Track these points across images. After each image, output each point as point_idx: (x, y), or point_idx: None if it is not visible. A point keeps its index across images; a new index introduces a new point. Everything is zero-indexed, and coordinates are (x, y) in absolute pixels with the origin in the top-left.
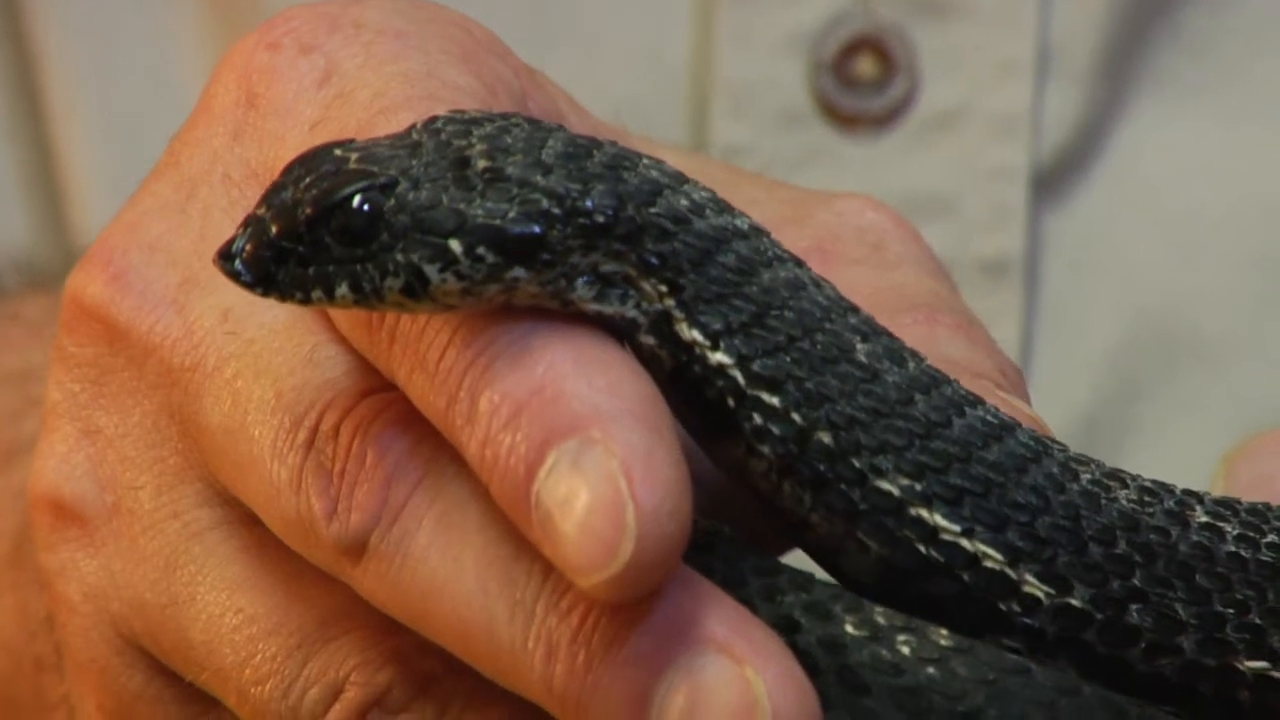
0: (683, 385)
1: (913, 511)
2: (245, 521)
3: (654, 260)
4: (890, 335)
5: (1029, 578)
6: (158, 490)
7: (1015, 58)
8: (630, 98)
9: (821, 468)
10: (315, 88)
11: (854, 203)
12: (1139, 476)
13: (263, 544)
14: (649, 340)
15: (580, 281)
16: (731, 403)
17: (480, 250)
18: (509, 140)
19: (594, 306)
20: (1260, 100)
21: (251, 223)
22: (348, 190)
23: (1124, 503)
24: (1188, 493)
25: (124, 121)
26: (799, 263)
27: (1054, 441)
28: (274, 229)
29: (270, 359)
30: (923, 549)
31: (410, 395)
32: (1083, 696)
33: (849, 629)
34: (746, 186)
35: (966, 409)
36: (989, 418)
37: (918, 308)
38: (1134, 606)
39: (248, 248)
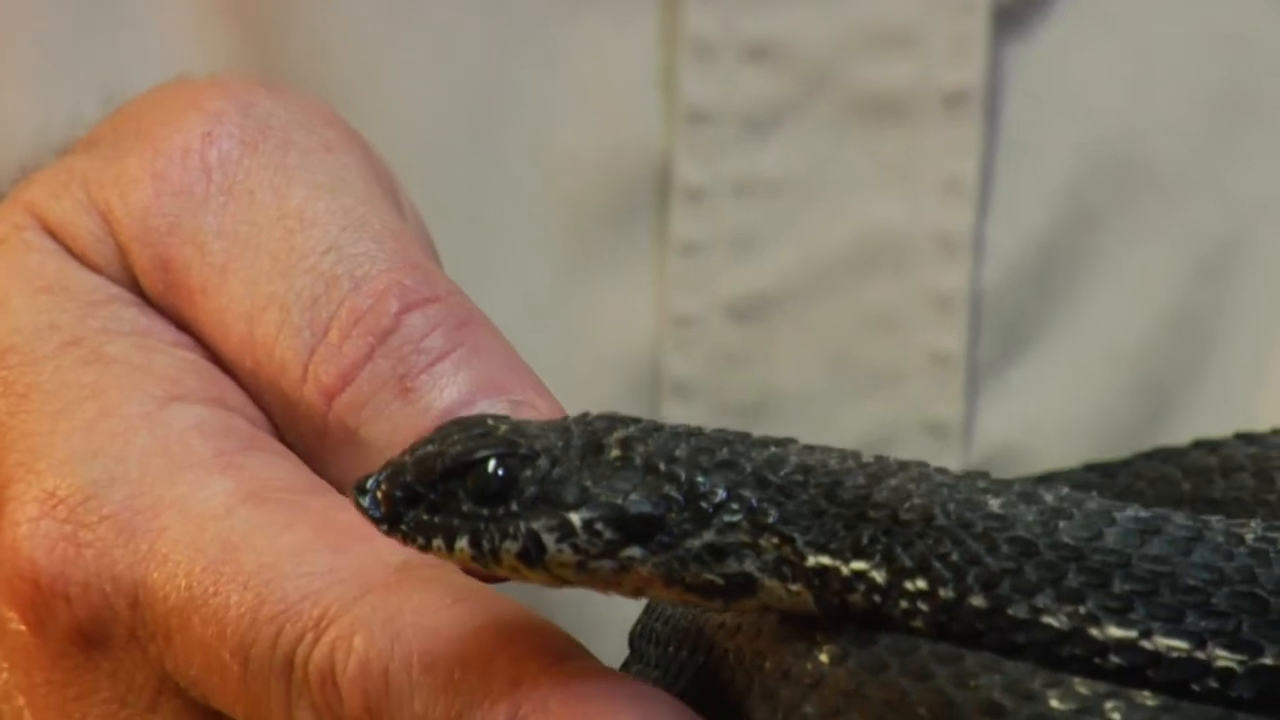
0: (819, 604)
1: (1081, 633)
2: None
3: (770, 520)
4: (1021, 480)
5: (1219, 653)
6: None
7: None
8: None
9: (979, 626)
10: None
11: None
12: None
13: None
14: (771, 583)
15: (694, 562)
16: (877, 599)
17: (599, 526)
18: (648, 436)
19: (706, 577)
20: None
21: (392, 464)
22: (488, 452)
23: None
24: None
25: None
26: (922, 463)
27: (1209, 517)
28: (411, 474)
29: None
30: (1098, 661)
31: None
32: None
33: (1055, 704)
34: None
35: (1115, 514)
36: (1141, 515)
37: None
38: None
39: (383, 486)
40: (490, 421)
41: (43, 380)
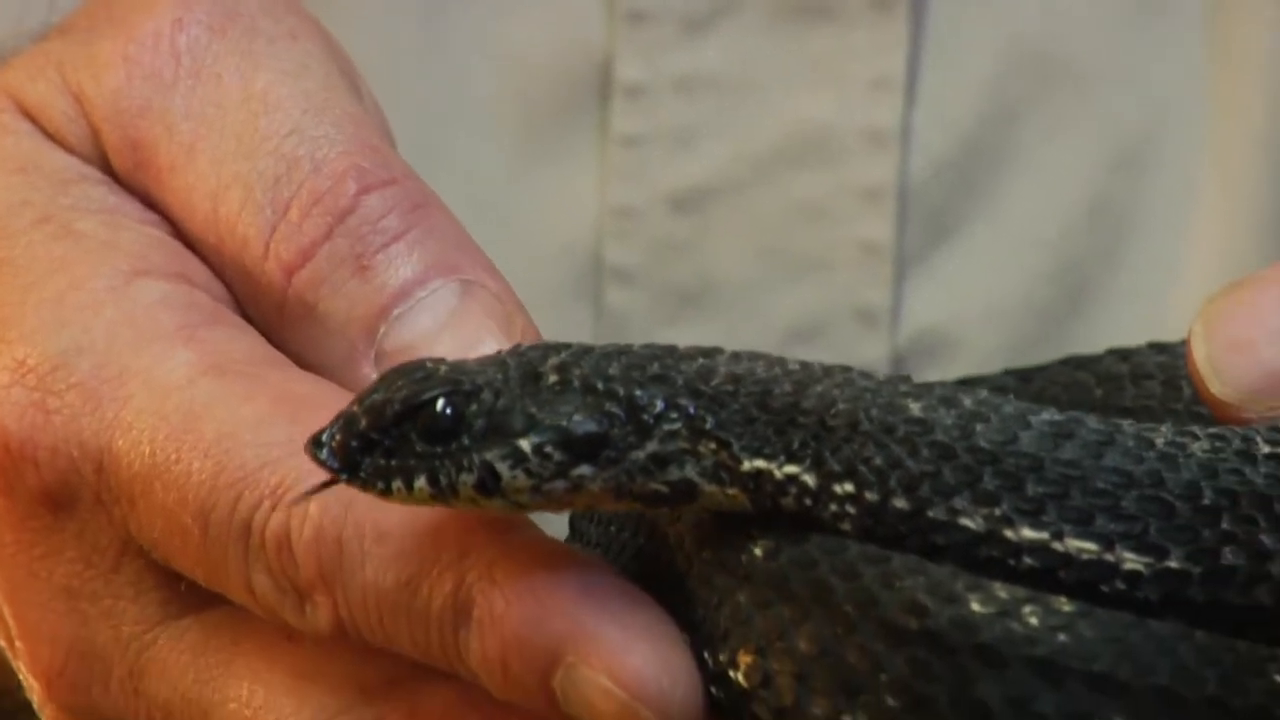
0: (755, 506)
1: (995, 535)
2: None
3: (708, 427)
4: (941, 384)
5: (1127, 555)
6: None
7: None
8: None
9: (902, 528)
10: None
11: None
12: (1204, 427)
13: None
14: (710, 488)
15: (640, 473)
16: (809, 502)
17: (548, 449)
18: (581, 359)
19: (652, 486)
20: None
21: (343, 416)
22: (435, 392)
23: (1200, 454)
24: (1245, 429)
25: None
26: (846, 367)
27: (1122, 421)
28: (363, 422)
29: None
30: (1012, 563)
31: None
32: (1197, 639)
33: (976, 607)
34: None
35: (1030, 418)
36: (1055, 419)
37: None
38: (1226, 549)
39: (337, 437)
40: (429, 364)
41: (15, 255)
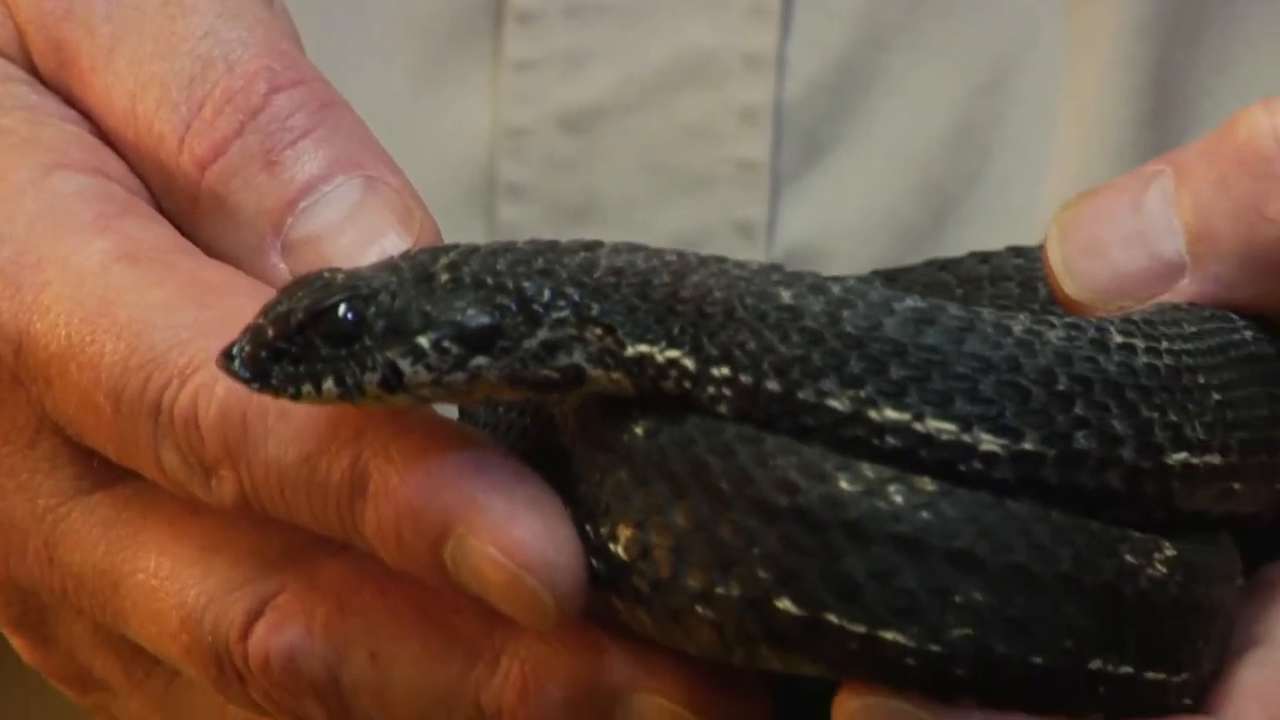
0: (637, 389)
1: (860, 416)
2: None
3: (594, 313)
4: (812, 273)
5: (984, 436)
6: None
7: None
8: None
9: (774, 409)
10: None
11: None
12: (1061, 317)
13: None
14: (596, 372)
15: (533, 361)
16: (688, 384)
17: (445, 343)
18: (469, 257)
19: (543, 373)
20: None
21: (251, 328)
22: (336, 299)
23: (1056, 342)
24: (1099, 319)
25: None
26: (720, 258)
27: (983, 309)
28: (270, 332)
29: None
30: (876, 443)
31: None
32: (1052, 519)
33: (844, 485)
34: None
35: (894, 304)
36: (917, 305)
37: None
38: (1079, 434)
39: (246, 349)
40: (327, 274)
41: None
